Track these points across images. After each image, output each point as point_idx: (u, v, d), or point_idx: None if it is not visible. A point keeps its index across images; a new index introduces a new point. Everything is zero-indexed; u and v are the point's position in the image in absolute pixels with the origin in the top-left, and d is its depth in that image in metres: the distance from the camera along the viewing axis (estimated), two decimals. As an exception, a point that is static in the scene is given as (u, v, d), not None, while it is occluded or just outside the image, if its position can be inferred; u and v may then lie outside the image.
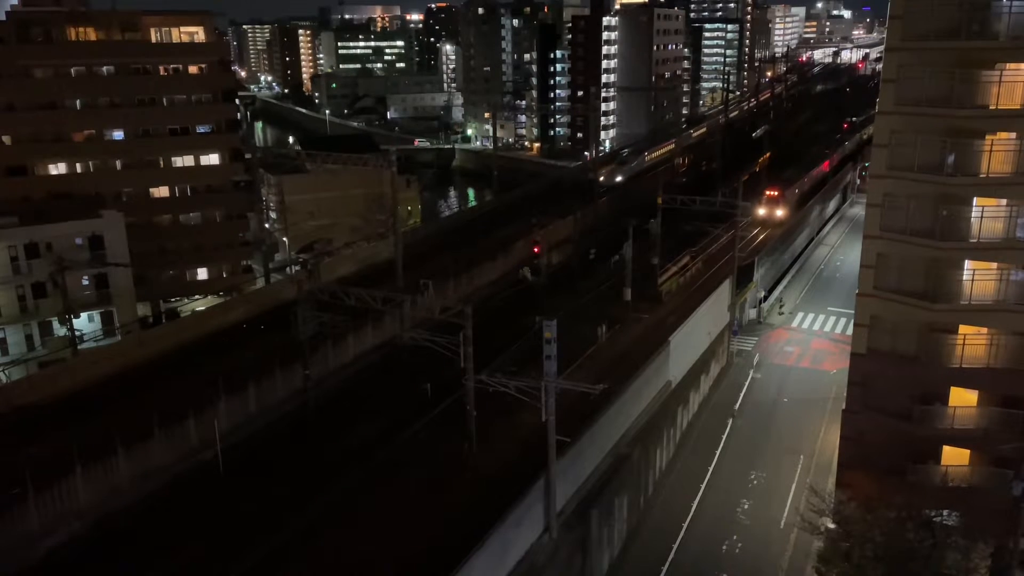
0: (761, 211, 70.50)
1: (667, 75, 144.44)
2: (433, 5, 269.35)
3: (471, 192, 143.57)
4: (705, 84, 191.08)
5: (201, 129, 67.78)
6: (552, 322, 29.17)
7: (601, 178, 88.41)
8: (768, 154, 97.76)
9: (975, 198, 32.02)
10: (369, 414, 37.85)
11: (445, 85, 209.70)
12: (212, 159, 68.24)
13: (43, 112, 61.99)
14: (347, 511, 30.58)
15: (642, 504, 41.13)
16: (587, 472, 36.53)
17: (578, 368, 41.66)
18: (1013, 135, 30.93)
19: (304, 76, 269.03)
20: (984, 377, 33.10)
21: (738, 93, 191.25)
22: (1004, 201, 31.57)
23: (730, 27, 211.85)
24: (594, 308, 49.96)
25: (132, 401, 36.74)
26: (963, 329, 33.14)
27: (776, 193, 75.96)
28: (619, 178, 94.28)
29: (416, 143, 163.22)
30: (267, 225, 79.68)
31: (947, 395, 34.19)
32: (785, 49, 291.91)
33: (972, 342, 32.91)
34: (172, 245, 66.48)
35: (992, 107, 30.74)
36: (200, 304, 63.01)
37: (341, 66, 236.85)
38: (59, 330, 52.32)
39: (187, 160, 67.54)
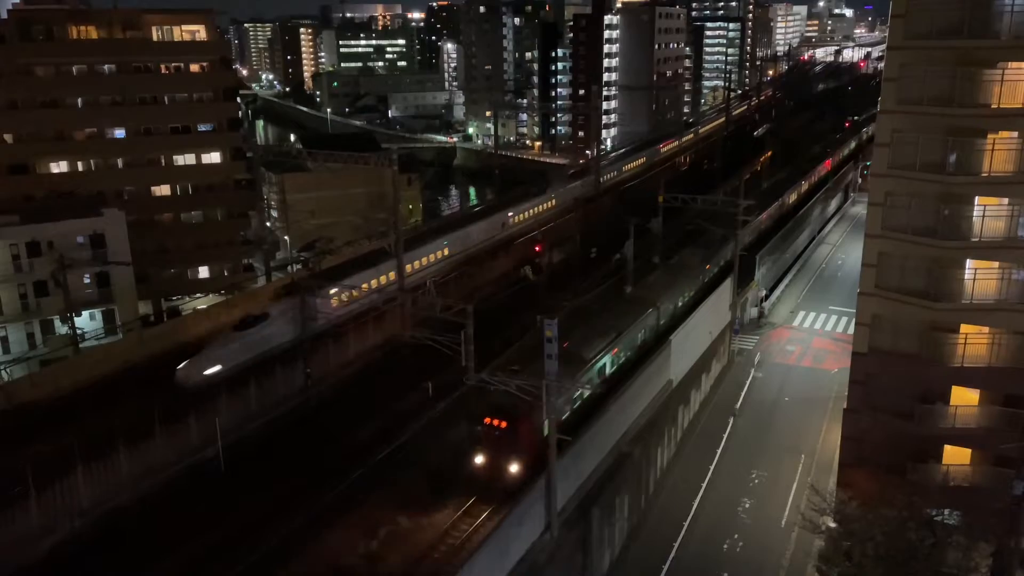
0: (478, 459, 31.68)
1: (668, 74, 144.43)
2: (434, 3, 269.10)
3: (472, 191, 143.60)
4: (706, 83, 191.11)
5: (202, 127, 67.70)
6: (553, 321, 29.12)
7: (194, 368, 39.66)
8: (769, 152, 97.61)
9: (977, 197, 32.03)
10: (370, 413, 37.81)
11: (446, 83, 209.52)
12: (213, 157, 68.18)
13: (45, 110, 62.01)
14: (347, 509, 30.57)
15: (643, 503, 41.10)
16: (588, 471, 36.49)
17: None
18: (1015, 134, 30.94)
19: (305, 74, 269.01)
20: (985, 376, 33.12)
21: (739, 92, 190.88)
22: (1006, 200, 31.60)
23: (731, 26, 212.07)
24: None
25: (133, 399, 36.72)
26: (964, 328, 33.13)
27: (503, 424, 31.49)
28: (214, 369, 38.76)
29: (451, 139, 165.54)
30: (268, 223, 79.67)
31: (948, 394, 34.18)
32: (787, 48, 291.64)
33: (973, 341, 32.91)
34: (173, 243, 66.48)
35: (994, 106, 30.77)
36: (201, 302, 63.01)
37: (342, 64, 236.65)
38: (60, 328, 52.34)
39: (188, 158, 67.45)
